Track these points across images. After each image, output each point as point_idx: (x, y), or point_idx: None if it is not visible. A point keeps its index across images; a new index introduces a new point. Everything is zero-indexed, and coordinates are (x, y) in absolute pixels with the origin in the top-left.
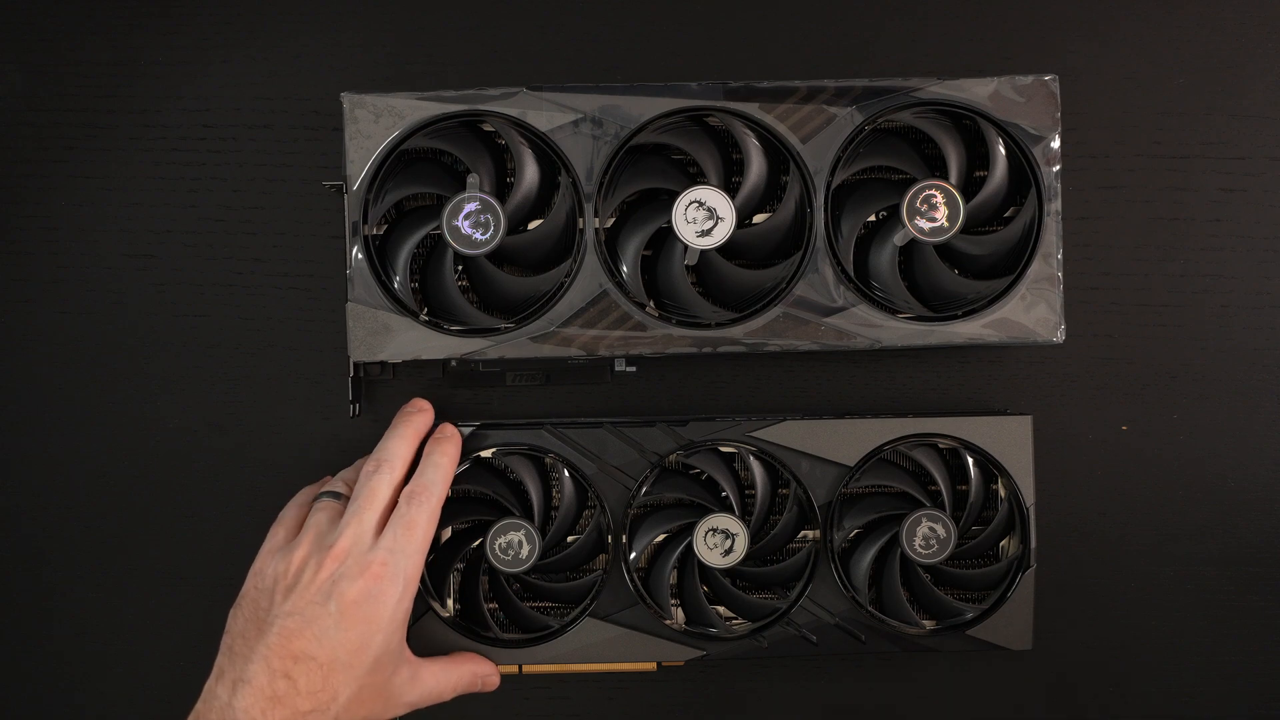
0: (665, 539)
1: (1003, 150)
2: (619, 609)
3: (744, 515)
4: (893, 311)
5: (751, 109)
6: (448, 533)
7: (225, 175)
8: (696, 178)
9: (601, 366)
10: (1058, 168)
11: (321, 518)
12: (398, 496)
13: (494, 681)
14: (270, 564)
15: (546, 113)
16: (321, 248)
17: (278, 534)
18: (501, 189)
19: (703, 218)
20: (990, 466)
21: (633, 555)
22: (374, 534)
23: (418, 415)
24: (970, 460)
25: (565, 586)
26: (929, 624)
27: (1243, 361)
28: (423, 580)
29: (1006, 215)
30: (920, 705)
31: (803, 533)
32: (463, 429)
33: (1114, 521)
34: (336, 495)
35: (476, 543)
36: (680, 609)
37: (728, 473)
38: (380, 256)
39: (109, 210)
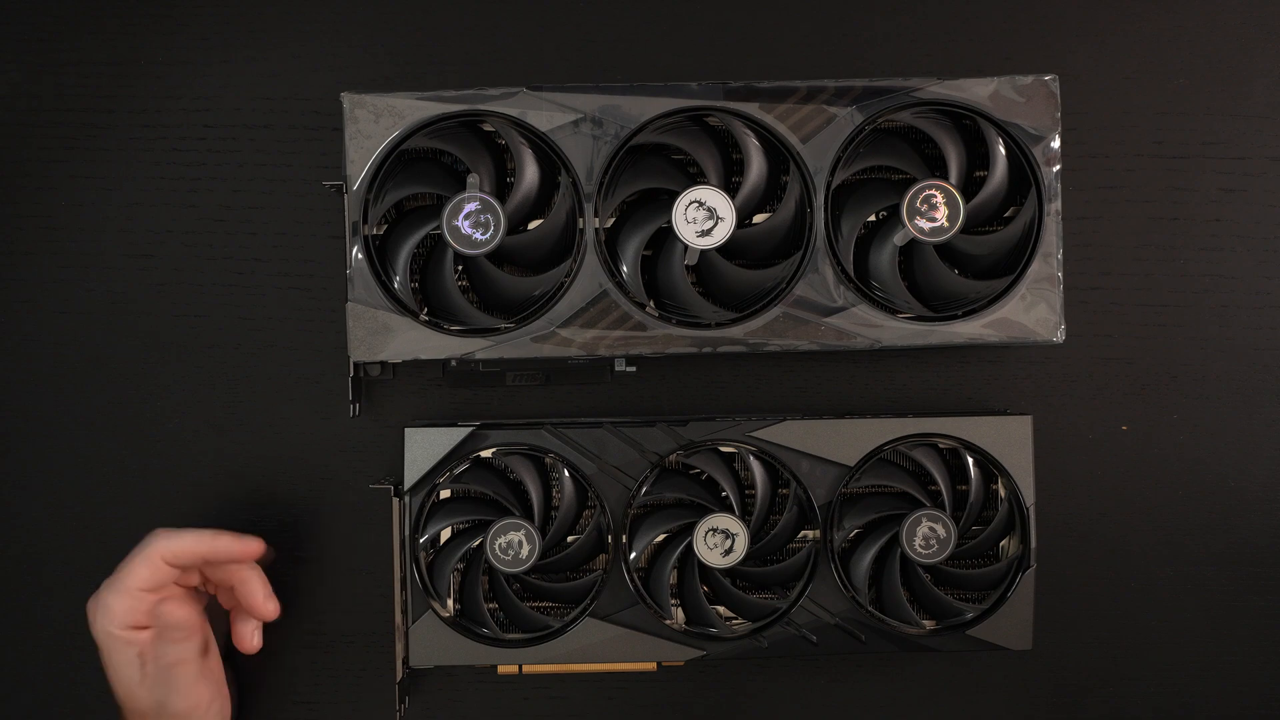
0: (665, 539)
1: (1003, 150)
2: (619, 609)
3: (744, 515)
4: (893, 311)
5: (751, 109)
6: (448, 532)
7: (225, 175)
8: (696, 178)
9: (601, 366)
10: (1058, 168)
11: None
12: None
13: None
14: None
15: (546, 113)
16: (321, 248)
17: None
18: (501, 189)
19: (703, 218)
20: (990, 466)
21: (633, 555)
22: None
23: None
24: (970, 460)
25: (565, 586)
26: (929, 624)
27: (1243, 361)
28: (422, 580)
29: (1006, 215)
30: (920, 705)
31: (803, 533)
32: (463, 428)
33: (1114, 521)
34: None
35: (476, 543)
36: (680, 609)
37: (728, 473)
38: (380, 256)
39: (109, 210)
